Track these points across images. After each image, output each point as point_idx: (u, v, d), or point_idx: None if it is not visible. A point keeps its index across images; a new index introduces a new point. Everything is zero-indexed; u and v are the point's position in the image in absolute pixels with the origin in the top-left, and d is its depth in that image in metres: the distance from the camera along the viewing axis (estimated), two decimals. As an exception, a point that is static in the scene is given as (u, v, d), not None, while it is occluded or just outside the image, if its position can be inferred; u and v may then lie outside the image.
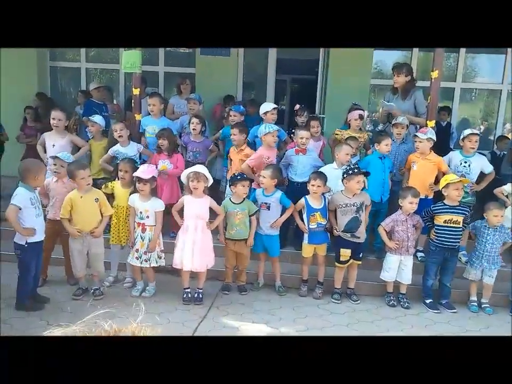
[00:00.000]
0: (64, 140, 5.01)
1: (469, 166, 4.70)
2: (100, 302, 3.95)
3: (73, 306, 3.90)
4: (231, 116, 5.41)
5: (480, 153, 4.98)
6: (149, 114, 5.44)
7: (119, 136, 4.84)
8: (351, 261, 4.27)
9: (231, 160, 4.99)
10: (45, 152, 5.02)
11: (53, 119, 4.92)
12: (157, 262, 4.12)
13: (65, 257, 4.29)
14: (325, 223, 4.27)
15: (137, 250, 4.08)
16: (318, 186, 4.19)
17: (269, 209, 4.33)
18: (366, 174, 4.24)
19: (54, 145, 4.96)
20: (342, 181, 4.21)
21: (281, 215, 4.37)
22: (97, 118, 5.17)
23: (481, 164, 4.77)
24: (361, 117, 5.01)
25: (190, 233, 4.03)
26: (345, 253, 4.21)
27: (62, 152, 4.36)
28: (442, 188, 4.26)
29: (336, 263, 4.30)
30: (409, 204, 4.15)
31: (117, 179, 4.40)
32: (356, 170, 4.11)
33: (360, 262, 4.33)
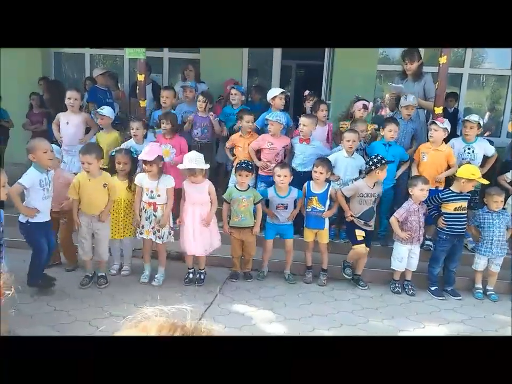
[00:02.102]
0: (79, 117, 5.07)
1: (473, 152, 4.67)
2: (106, 290, 4.00)
3: (80, 292, 3.94)
4: (232, 94, 5.39)
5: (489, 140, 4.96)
6: (155, 101, 5.42)
7: (135, 135, 4.80)
8: (367, 249, 4.25)
9: (233, 148, 4.97)
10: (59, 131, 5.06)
11: (69, 98, 4.97)
12: (167, 239, 4.17)
13: (61, 243, 4.34)
14: (322, 209, 4.25)
15: (153, 228, 4.10)
16: (321, 173, 4.18)
17: (286, 209, 4.32)
18: (390, 162, 4.22)
19: (68, 123, 5.01)
20: (371, 170, 4.09)
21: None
22: (106, 111, 5.01)
23: (484, 148, 4.73)
24: (365, 107, 4.95)
25: (189, 219, 4.09)
26: (360, 233, 4.20)
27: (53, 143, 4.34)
28: (456, 176, 4.21)
29: (354, 246, 4.24)
30: (419, 191, 4.11)
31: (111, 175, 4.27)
32: (384, 161, 4.06)
33: (368, 249, 4.33)
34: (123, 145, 4.82)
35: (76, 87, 5.46)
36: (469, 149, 4.68)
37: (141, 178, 4.11)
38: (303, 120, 4.68)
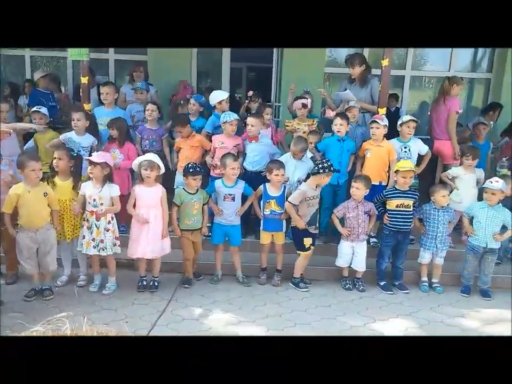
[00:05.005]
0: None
1: (409, 150, 4.87)
2: (53, 302, 3.82)
3: (24, 306, 3.74)
4: (190, 104, 5.33)
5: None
6: (100, 104, 5.26)
7: (75, 126, 4.68)
8: (312, 248, 4.31)
9: (179, 149, 4.93)
10: None
11: (1, 111, 4.79)
12: (112, 250, 4.02)
13: (4, 253, 4.13)
14: (280, 211, 4.29)
15: (93, 239, 3.97)
16: (282, 175, 4.24)
17: (234, 200, 4.31)
18: (337, 171, 4.31)
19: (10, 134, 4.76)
20: (318, 173, 4.11)
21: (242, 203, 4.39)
22: (44, 110, 5.01)
23: (418, 146, 4.94)
24: (304, 105, 5.05)
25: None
26: (309, 241, 4.25)
27: None
28: (394, 172, 4.43)
29: (300, 252, 4.29)
30: (355, 189, 4.29)
31: (53, 175, 4.15)
32: (332, 168, 4.11)
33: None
34: (61, 136, 4.74)
35: (4, 98, 5.28)
36: (405, 147, 4.87)
37: (85, 186, 4.00)
38: (250, 120, 4.75)
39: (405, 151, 4.84)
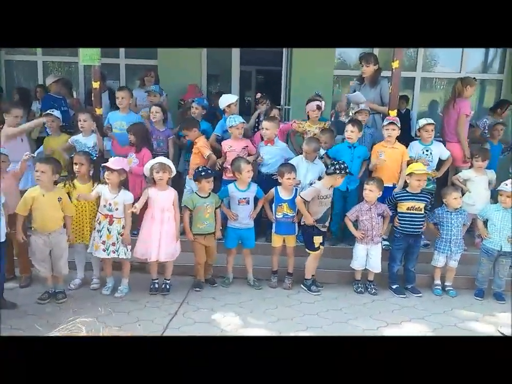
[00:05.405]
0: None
1: (431, 153, 4.83)
2: (66, 305, 3.85)
3: (37, 309, 3.78)
4: (193, 107, 5.37)
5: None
6: (111, 108, 5.32)
7: (82, 127, 4.76)
8: (322, 247, 4.30)
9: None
10: None
11: (16, 117, 4.81)
12: (125, 254, 4.05)
13: (18, 256, 4.17)
14: (292, 214, 4.28)
15: (103, 242, 3.99)
16: (294, 178, 4.24)
17: (248, 204, 4.32)
18: (351, 175, 4.33)
19: (22, 140, 4.85)
20: (334, 174, 4.11)
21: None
22: (57, 113, 5.08)
23: (440, 151, 4.91)
24: (318, 107, 5.04)
25: (156, 225, 4.05)
26: (318, 239, 4.24)
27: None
28: (406, 175, 4.38)
29: (310, 251, 4.28)
30: (368, 191, 4.26)
31: (72, 177, 4.20)
32: (348, 170, 4.13)
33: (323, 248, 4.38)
34: (69, 140, 4.82)
35: (16, 104, 5.31)
36: (427, 150, 4.84)
37: (101, 189, 4.04)
38: (265, 123, 4.78)
39: (426, 154, 4.81)
